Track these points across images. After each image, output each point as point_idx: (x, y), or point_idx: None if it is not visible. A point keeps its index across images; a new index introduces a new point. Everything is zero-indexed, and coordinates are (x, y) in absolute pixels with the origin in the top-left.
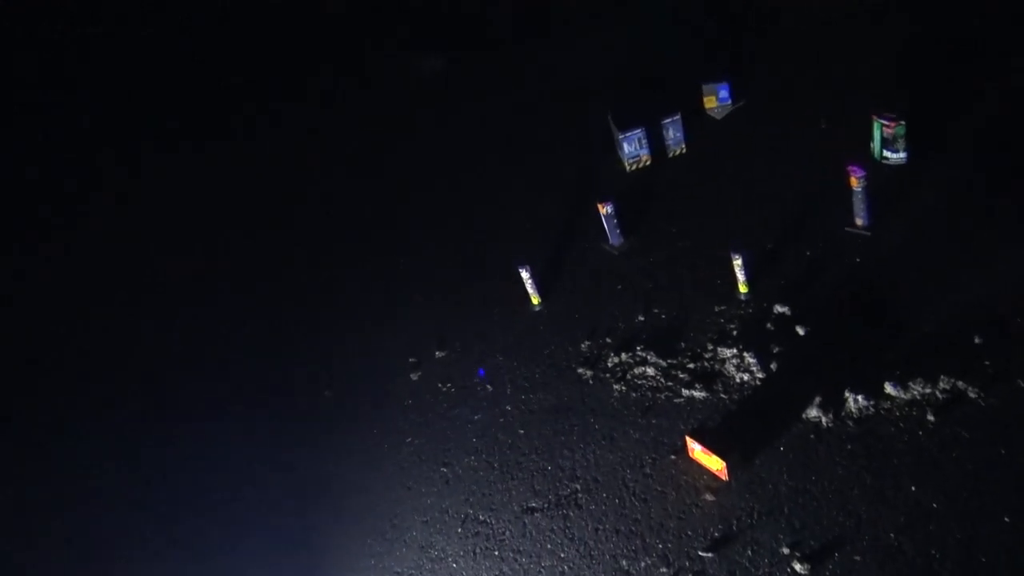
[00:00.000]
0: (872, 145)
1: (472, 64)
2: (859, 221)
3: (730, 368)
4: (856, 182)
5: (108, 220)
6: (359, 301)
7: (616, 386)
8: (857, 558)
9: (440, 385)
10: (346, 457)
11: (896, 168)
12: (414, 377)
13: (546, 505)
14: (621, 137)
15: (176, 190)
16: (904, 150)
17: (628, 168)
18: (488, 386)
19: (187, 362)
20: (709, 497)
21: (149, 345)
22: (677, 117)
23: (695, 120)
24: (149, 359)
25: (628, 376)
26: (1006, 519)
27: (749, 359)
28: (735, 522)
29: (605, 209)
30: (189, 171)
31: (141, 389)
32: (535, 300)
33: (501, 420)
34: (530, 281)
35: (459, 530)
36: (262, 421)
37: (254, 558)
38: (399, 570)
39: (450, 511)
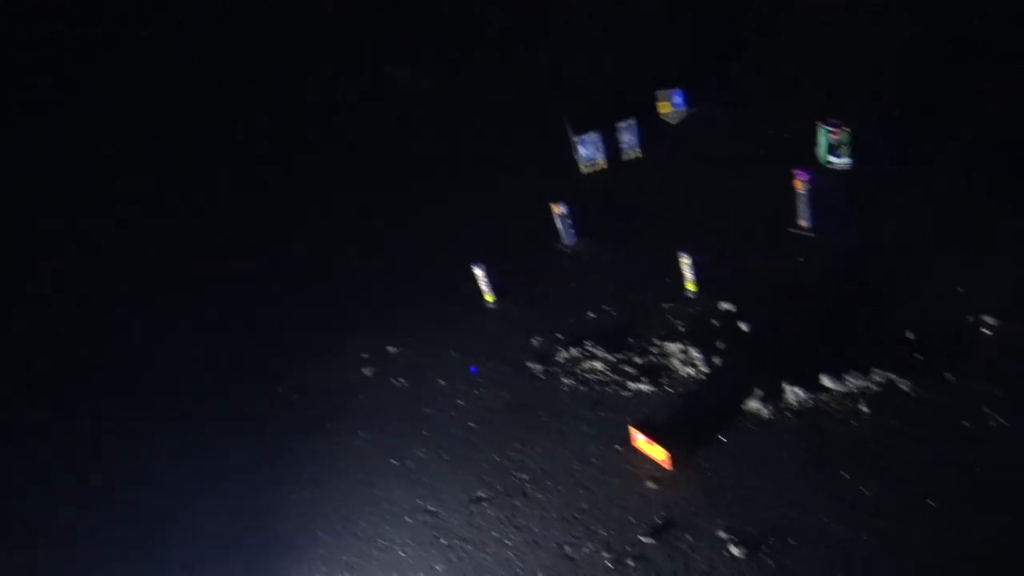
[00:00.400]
0: (817, 150)
1: (433, 69)
2: (803, 223)
3: (676, 363)
4: (801, 185)
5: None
6: (314, 299)
7: (565, 380)
8: (791, 541)
9: (393, 380)
10: (298, 452)
11: (840, 173)
12: (367, 372)
13: (494, 495)
14: (577, 140)
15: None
16: (849, 156)
17: (584, 171)
18: (440, 380)
19: (138, 354)
20: (652, 485)
21: (119, 340)
22: (632, 122)
23: (650, 124)
24: (116, 352)
25: (577, 371)
26: (931, 503)
27: (694, 354)
28: (676, 509)
29: (559, 209)
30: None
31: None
32: (489, 298)
33: (453, 414)
34: (484, 279)
35: (408, 520)
36: (215, 416)
37: (206, 551)
38: (347, 559)
39: (400, 502)
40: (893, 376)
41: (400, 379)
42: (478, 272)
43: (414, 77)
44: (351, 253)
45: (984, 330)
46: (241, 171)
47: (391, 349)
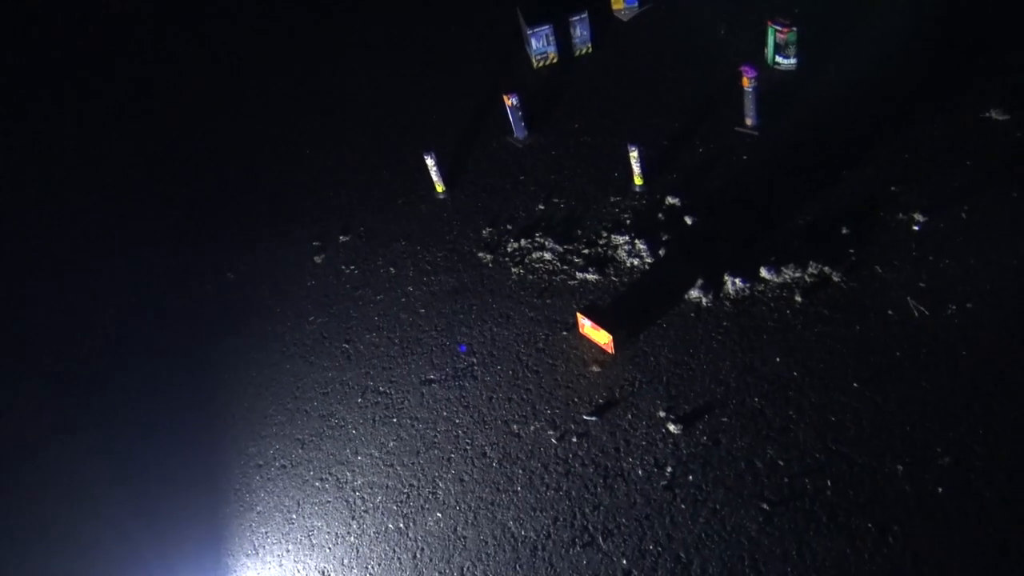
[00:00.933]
0: (765, 50)
1: None
2: (748, 121)
3: (622, 254)
4: (748, 82)
5: None
6: (263, 188)
7: (514, 269)
8: (724, 419)
9: (344, 267)
10: (247, 335)
11: (786, 73)
12: (318, 260)
13: (444, 377)
14: (529, 33)
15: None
16: (795, 56)
17: (535, 64)
18: (391, 268)
19: (88, 247)
20: (596, 368)
21: (52, 230)
22: (584, 16)
23: (602, 20)
24: (51, 245)
25: (526, 260)
26: (855, 384)
27: (640, 245)
28: (618, 390)
29: (510, 101)
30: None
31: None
32: (439, 188)
33: (403, 300)
34: (435, 169)
35: (359, 400)
36: (163, 299)
37: (154, 429)
38: (300, 436)
39: (351, 383)
40: (827, 269)
41: (350, 267)
42: (429, 162)
43: None
44: (296, 141)
45: (914, 227)
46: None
47: (342, 238)
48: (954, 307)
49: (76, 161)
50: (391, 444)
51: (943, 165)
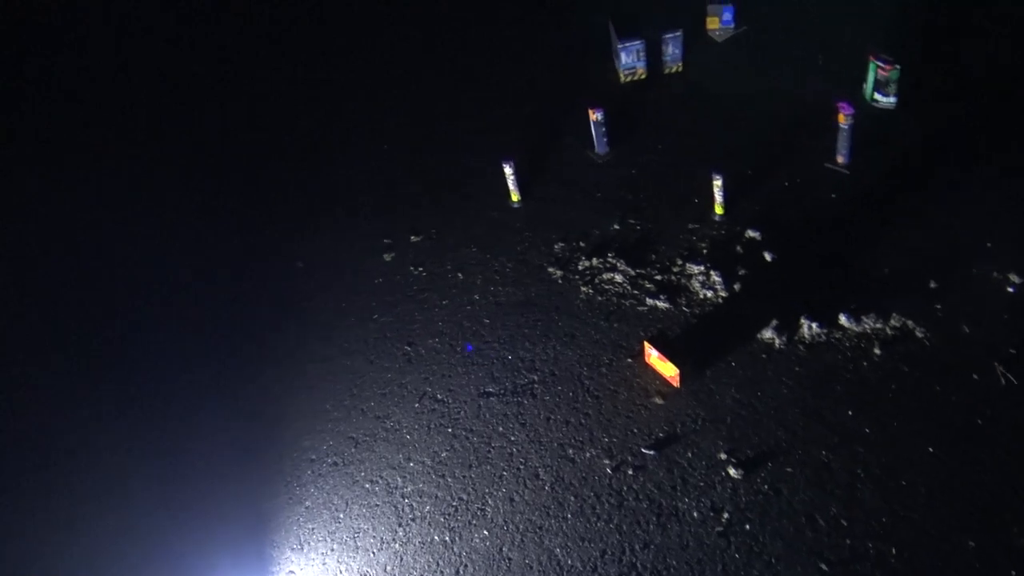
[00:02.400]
0: (864, 86)
1: None
2: (840, 159)
3: (695, 284)
4: (844, 119)
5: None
6: (340, 180)
7: (584, 288)
8: (788, 469)
9: (412, 268)
10: (312, 327)
11: (884, 112)
12: (387, 258)
13: (502, 391)
14: (620, 47)
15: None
16: (895, 95)
17: (623, 79)
18: (459, 274)
19: (157, 231)
20: (658, 400)
21: (126, 212)
22: (678, 34)
23: (696, 39)
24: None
25: (596, 280)
26: (930, 449)
27: (715, 277)
28: (679, 426)
29: (595, 116)
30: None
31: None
32: (515, 197)
33: (468, 308)
34: (512, 177)
35: (416, 405)
36: (230, 282)
37: (214, 420)
38: (354, 435)
39: (409, 387)
40: (910, 323)
41: (419, 268)
42: (507, 170)
43: None
44: (378, 136)
45: (1008, 288)
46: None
47: (413, 238)
48: None
49: (144, 137)
50: (444, 454)
51: None
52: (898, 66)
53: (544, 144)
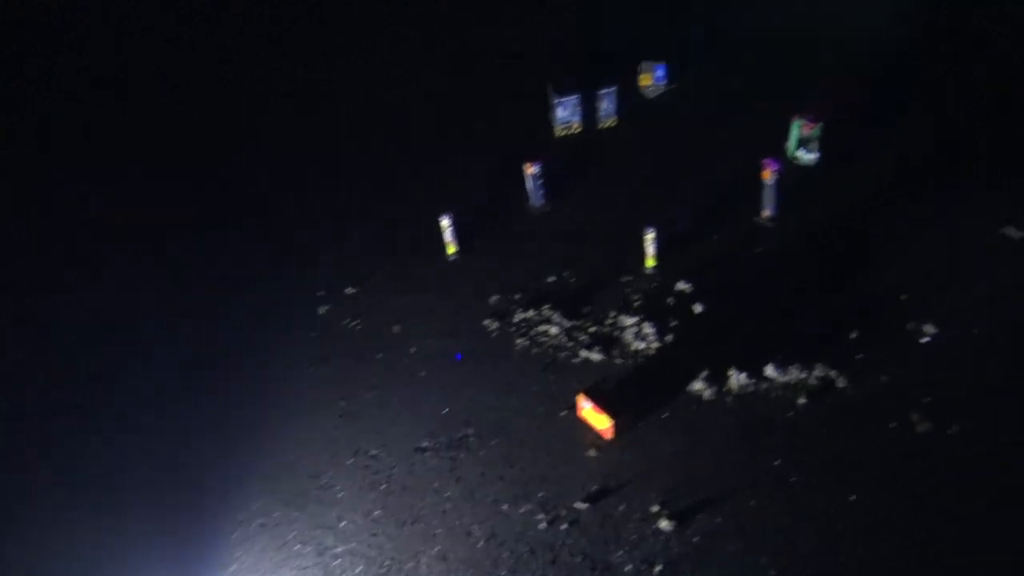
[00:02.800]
0: (788, 143)
1: (416, 16)
2: (766, 213)
3: (628, 336)
4: (769, 175)
5: None
6: (276, 229)
7: (519, 341)
8: (719, 520)
9: (348, 321)
10: (243, 383)
11: (807, 168)
12: (322, 311)
13: (437, 446)
14: (556, 101)
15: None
16: (817, 151)
17: (558, 132)
18: (395, 327)
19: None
20: (592, 453)
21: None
22: (612, 90)
23: (629, 96)
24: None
25: (532, 333)
26: (852, 497)
27: (647, 329)
28: (613, 479)
29: (532, 169)
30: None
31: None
32: (452, 249)
33: (404, 360)
34: (450, 230)
35: (349, 462)
36: (161, 340)
37: (141, 480)
38: (284, 495)
39: (342, 442)
40: (832, 372)
41: (355, 321)
42: (444, 223)
43: None
44: (316, 194)
45: (923, 339)
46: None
47: (349, 290)
48: (957, 427)
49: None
50: (377, 512)
51: (958, 279)
52: (821, 124)
53: (482, 197)
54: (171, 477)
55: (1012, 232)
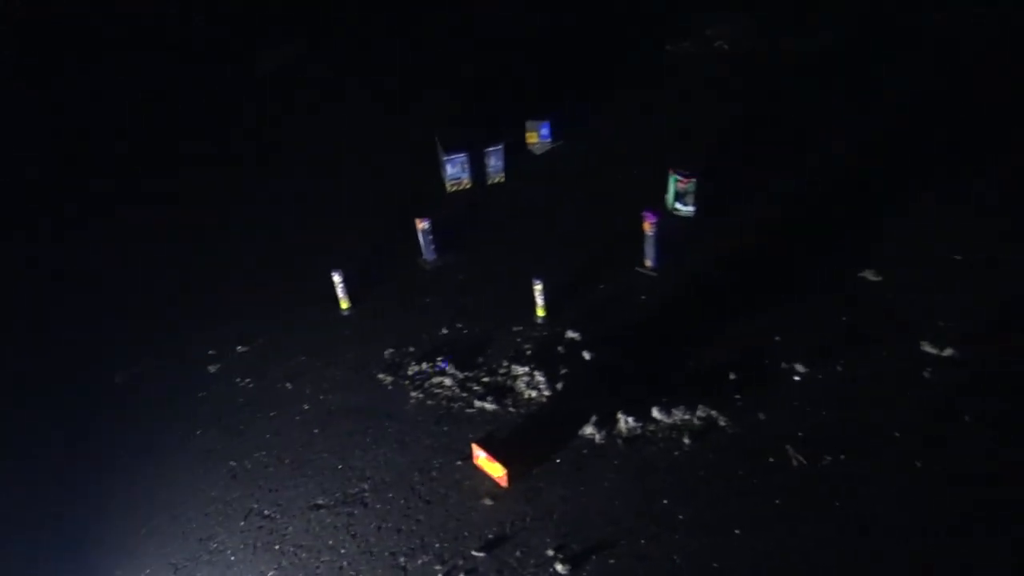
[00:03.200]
0: (667, 196)
1: (305, 67)
2: (648, 263)
3: (521, 385)
4: (649, 227)
5: None
6: (163, 287)
7: (414, 393)
8: (612, 561)
9: (238, 380)
10: (129, 447)
11: (685, 220)
12: (212, 370)
13: (332, 502)
14: (445, 159)
15: None
16: (693, 205)
17: (449, 189)
18: (288, 384)
19: None
20: (488, 501)
21: None
22: (499, 147)
23: (517, 152)
24: None
25: (426, 385)
26: (736, 531)
27: (539, 378)
28: (508, 525)
29: (422, 225)
30: None
31: None
32: (344, 305)
33: (297, 418)
34: (341, 286)
35: (241, 523)
36: (42, 400)
37: (21, 543)
38: (175, 561)
39: (234, 504)
40: (714, 413)
41: (246, 379)
42: (336, 279)
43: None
44: (203, 250)
45: (795, 377)
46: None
47: (240, 348)
48: (829, 459)
49: None
50: (271, 573)
51: (823, 320)
52: (695, 179)
53: (374, 253)
54: (54, 541)
55: (869, 275)
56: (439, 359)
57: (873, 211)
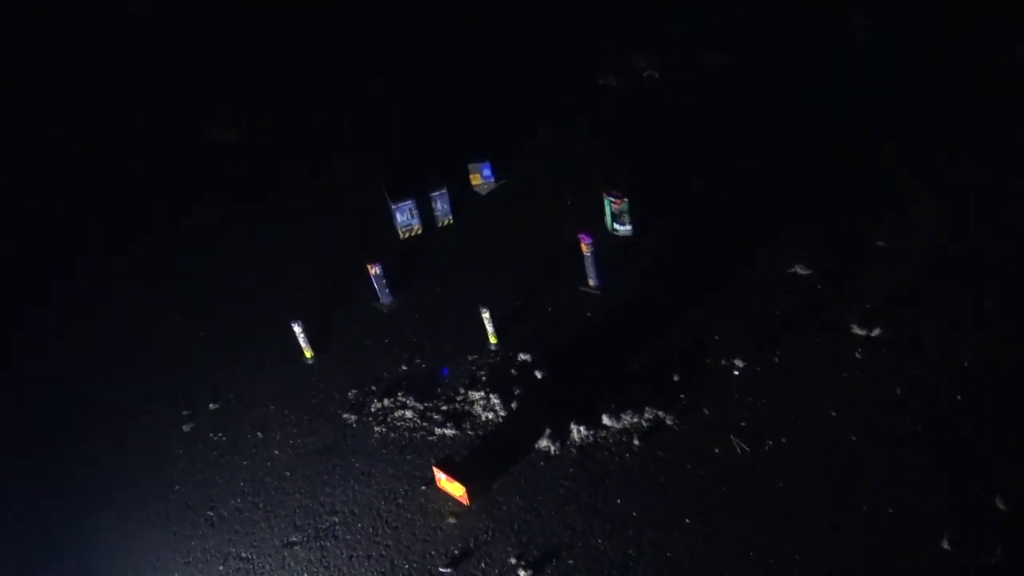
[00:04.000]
0: (605, 219)
1: (256, 127)
2: (591, 282)
3: (478, 408)
4: (585, 248)
5: None
6: (132, 356)
7: (377, 428)
8: (571, 562)
9: (212, 435)
10: (112, 506)
11: (624, 238)
12: (186, 429)
13: (305, 538)
14: (394, 207)
15: None
16: (630, 223)
17: (402, 236)
18: (259, 433)
19: None
20: (452, 520)
21: None
22: (444, 191)
23: (462, 194)
24: None
25: (389, 419)
26: (687, 520)
27: (494, 400)
28: (472, 540)
29: (374, 270)
30: None
31: None
32: (308, 353)
33: (269, 464)
34: (302, 335)
35: (220, 568)
36: (25, 461)
37: None
38: None
39: (212, 551)
40: (661, 413)
41: (218, 434)
42: (296, 329)
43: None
44: (168, 308)
45: (734, 372)
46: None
47: (211, 405)
48: (771, 443)
49: None
50: None
51: (758, 315)
52: (627, 200)
53: (334, 301)
54: None
55: (800, 269)
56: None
57: (798, 211)
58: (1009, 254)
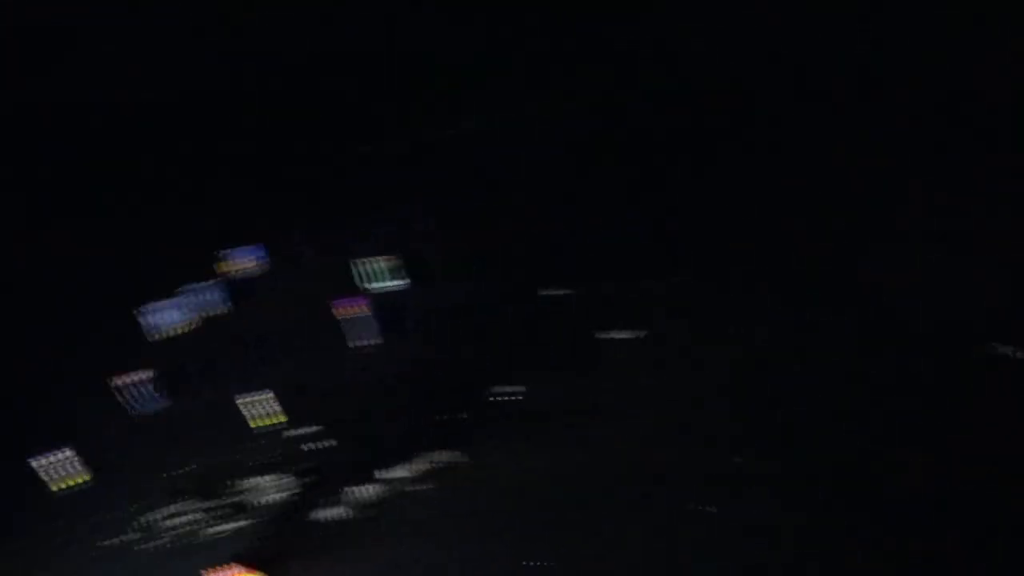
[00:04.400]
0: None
1: None
2: (361, 341)
3: (269, 491)
4: (344, 311)
5: None
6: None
7: (164, 539)
8: None
9: None
10: None
11: (395, 294)
12: None
13: None
14: (145, 310)
15: None
16: (396, 279)
17: (163, 336)
18: None
19: None
20: None
21: None
22: (214, 282)
23: (233, 283)
24: None
25: (176, 527)
26: (436, 535)
27: (285, 479)
28: None
29: (123, 381)
30: None
31: None
32: (85, 478)
33: None
34: (66, 463)
35: None
36: None
37: None
38: None
39: None
40: (450, 453)
41: None
42: (55, 458)
43: None
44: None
45: (518, 397)
46: None
47: None
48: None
49: None
50: None
51: (537, 344)
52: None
53: (85, 422)
54: None
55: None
56: None
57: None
58: None
